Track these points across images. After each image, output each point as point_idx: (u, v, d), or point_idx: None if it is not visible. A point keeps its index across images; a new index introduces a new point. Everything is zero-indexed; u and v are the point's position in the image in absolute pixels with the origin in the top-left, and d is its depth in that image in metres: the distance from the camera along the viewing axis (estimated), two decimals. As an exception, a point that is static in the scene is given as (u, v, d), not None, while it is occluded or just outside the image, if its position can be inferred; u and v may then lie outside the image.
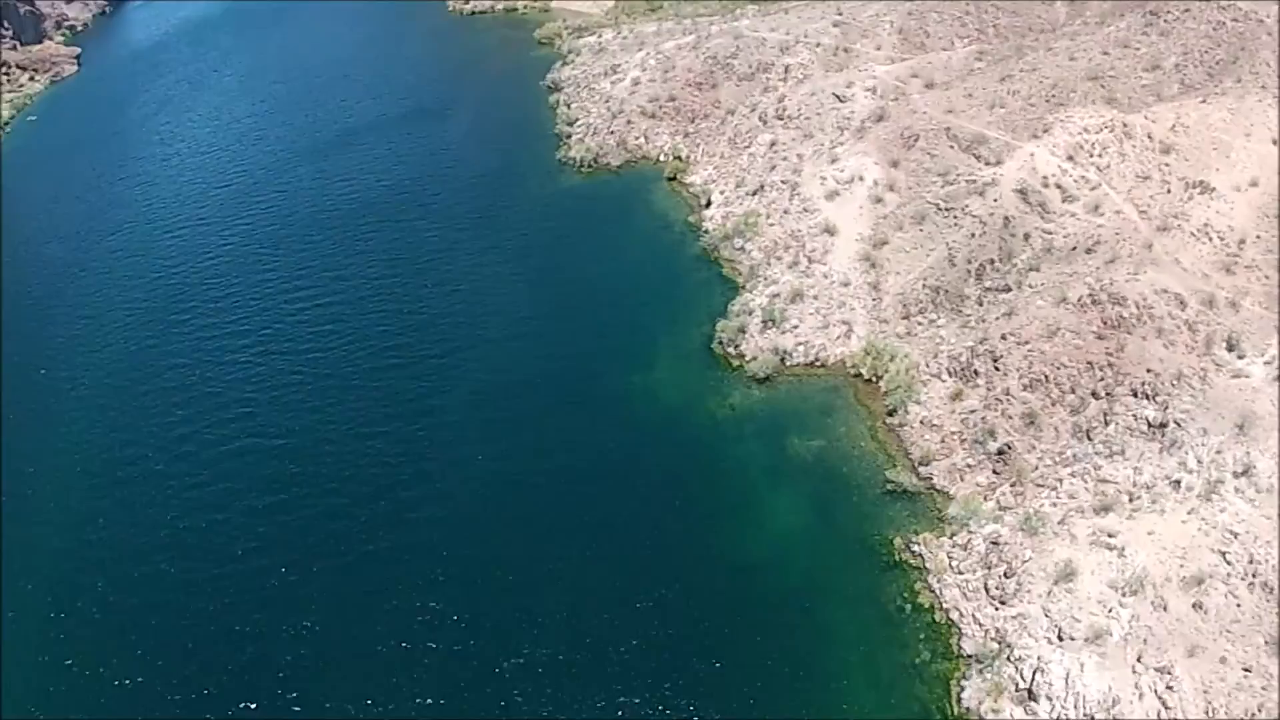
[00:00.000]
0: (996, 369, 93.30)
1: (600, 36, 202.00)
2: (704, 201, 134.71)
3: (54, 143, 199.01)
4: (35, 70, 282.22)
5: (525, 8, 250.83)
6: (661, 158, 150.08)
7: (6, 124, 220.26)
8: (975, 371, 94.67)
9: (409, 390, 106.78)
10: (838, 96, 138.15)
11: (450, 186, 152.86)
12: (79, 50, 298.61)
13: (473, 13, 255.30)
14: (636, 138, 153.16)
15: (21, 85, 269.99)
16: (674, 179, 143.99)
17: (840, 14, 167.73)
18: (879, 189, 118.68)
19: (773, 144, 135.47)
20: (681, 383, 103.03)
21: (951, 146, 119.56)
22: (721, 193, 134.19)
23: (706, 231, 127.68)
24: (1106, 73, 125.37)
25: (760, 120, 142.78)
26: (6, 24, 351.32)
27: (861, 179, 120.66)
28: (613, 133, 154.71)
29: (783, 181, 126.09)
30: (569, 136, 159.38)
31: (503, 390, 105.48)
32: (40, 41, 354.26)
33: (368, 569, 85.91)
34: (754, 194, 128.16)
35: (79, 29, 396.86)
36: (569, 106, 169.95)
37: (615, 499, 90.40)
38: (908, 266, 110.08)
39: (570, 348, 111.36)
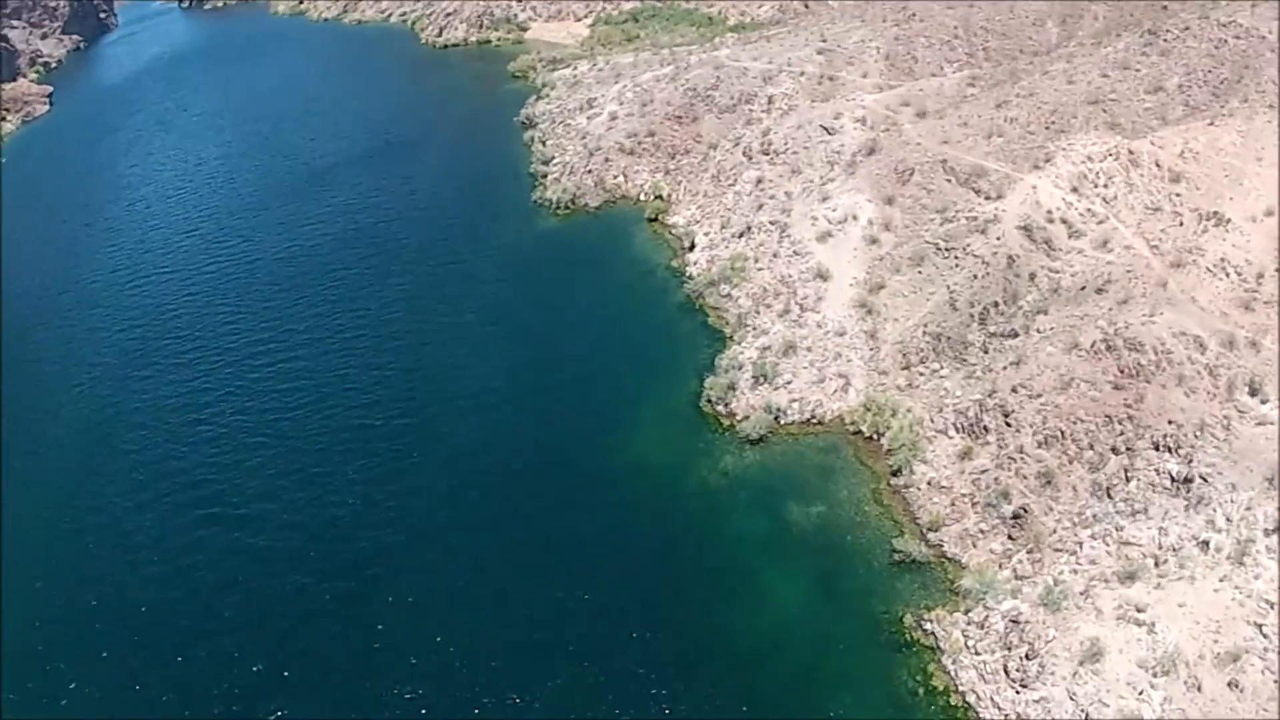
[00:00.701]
0: (1008, 424, 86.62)
1: (575, 69, 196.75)
2: (687, 244, 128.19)
3: (20, 188, 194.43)
4: (7, 110, 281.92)
5: (499, 40, 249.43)
6: (642, 197, 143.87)
7: None
8: (985, 427, 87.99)
9: (376, 455, 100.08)
10: (826, 129, 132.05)
11: (420, 231, 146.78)
12: (51, 89, 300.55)
13: (445, 45, 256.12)
14: (615, 176, 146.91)
15: None
16: (655, 219, 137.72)
17: (824, 40, 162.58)
18: (874, 229, 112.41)
19: (759, 181, 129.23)
20: (669, 446, 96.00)
21: (949, 180, 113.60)
22: (706, 234, 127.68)
23: (691, 277, 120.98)
24: (1107, 96, 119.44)
25: (745, 155, 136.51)
26: None
27: (855, 218, 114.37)
28: (590, 171, 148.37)
29: (771, 222, 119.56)
30: (544, 176, 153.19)
31: (476, 455, 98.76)
32: (14, 79, 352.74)
33: (336, 652, 79.71)
34: (740, 236, 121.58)
35: (53, 65, 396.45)
36: (544, 144, 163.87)
37: (601, 579, 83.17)
38: (906, 312, 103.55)
39: (548, 407, 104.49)
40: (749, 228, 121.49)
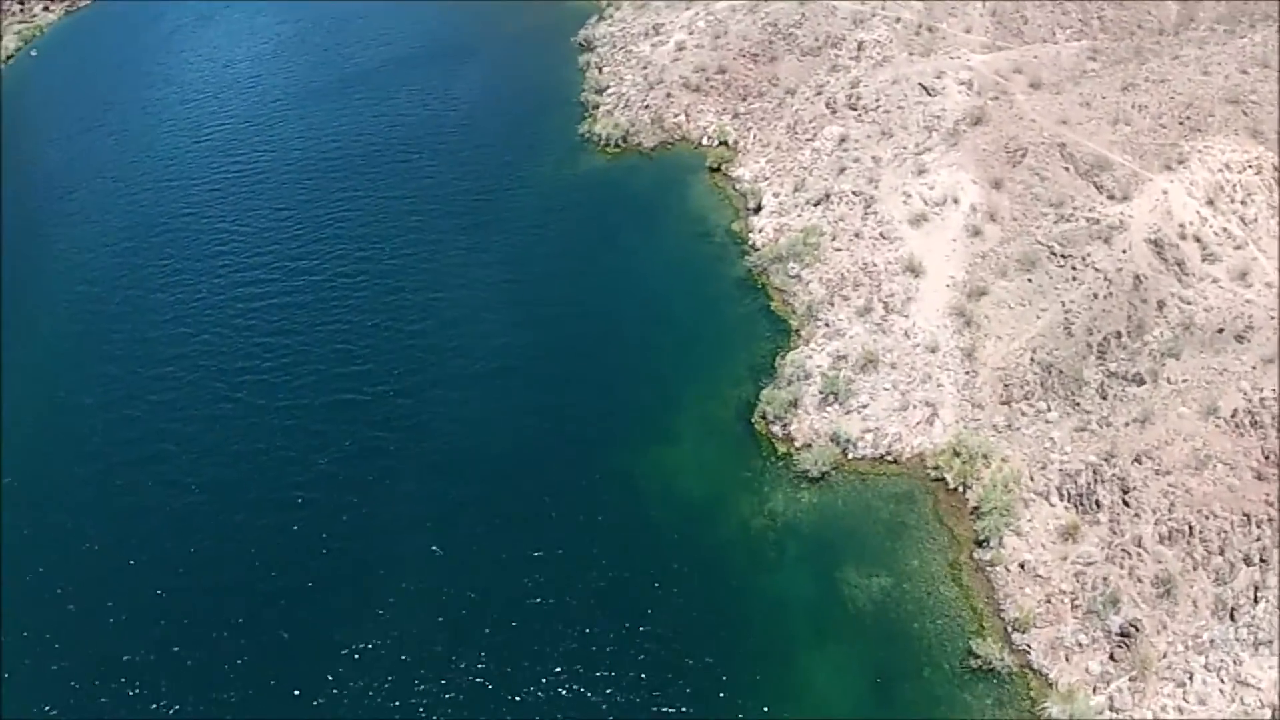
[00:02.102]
0: (1126, 504, 69.98)
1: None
2: (752, 205, 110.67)
3: (46, 83, 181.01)
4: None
5: None
6: (704, 141, 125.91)
7: (10, 58, 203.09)
8: (1097, 501, 71.30)
9: (356, 441, 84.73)
10: (925, 88, 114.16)
11: (449, 157, 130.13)
12: None
13: None
14: (676, 114, 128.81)
15: (34, 15, 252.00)
16: (718, 169, 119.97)
17: None
18: (977, 217, 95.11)
19: (843, 140, 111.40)
20: (706, 472, 79.20)
21: (1066, 169, 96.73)
22: (775, 195, 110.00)
23: (754, 247, 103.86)
24: (1248, 96, 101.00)
25: (828, 107, 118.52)
26: None
27: (956, 201, 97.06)
28: (648, 106, 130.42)
29: (854, 192, 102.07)
30: (596, 107, 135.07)
31: (472, 456, 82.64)
32: None
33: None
34: (816, 204, 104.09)
35: None
36: (600, 70, 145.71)
37: (602, 647, 67.10)
38: (1012, 330, 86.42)
39: (565, 399, 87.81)
40: (827, 195, 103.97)
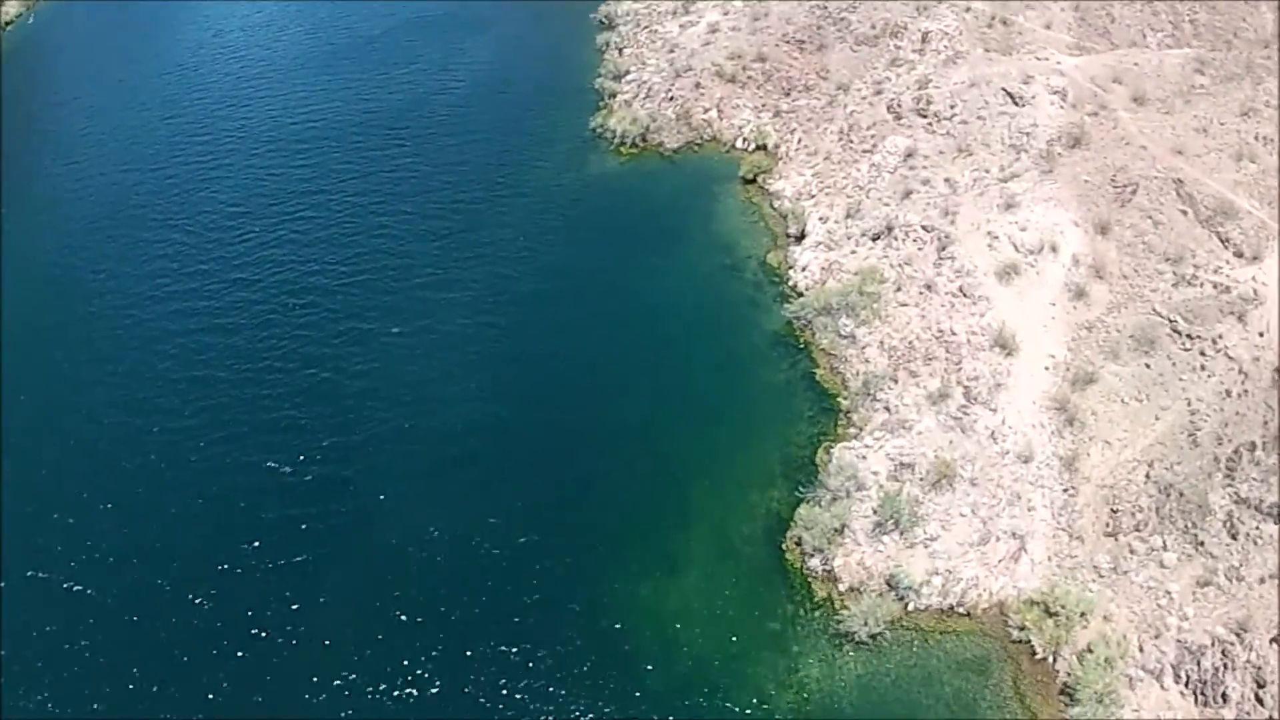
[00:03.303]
0: (1261, 700, 49.90)
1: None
2: (795, 230, 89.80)
3: (40, 51, 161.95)
4: None
5: None
6: (739, 144, 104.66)
7: (9, 24, 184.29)
8: (1224, 695, 51.14)
9: (265, 537, 64.90)
10: (1010, 95, 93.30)
11: (435, 150, 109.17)
12: None
13: None
14: (706, 109, 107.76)
15: None
16: (753, 180, 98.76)
17: None
18: (1081, 272, 74.79)
19: (909, 155, 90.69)
20: (721, 620, 58.20)
21: (1185, 212, 76.59)
22: (823, 221, 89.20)
23: (796, 290, 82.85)
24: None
25: (890, 111, 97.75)
26: None
27: (1054, 249, 76.53)
28: (673, 98, 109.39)
29: (925, 227, 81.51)
30: (613, 96, 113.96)
31: (410, 580, 62.08)
32: None
33: None
34: (876, 238, 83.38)
35: None
36: (620, 52, 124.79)
37: None
38: (1125, 434, 65.63)
39: (539, 502, 66.54)
40: (890, 227, 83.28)
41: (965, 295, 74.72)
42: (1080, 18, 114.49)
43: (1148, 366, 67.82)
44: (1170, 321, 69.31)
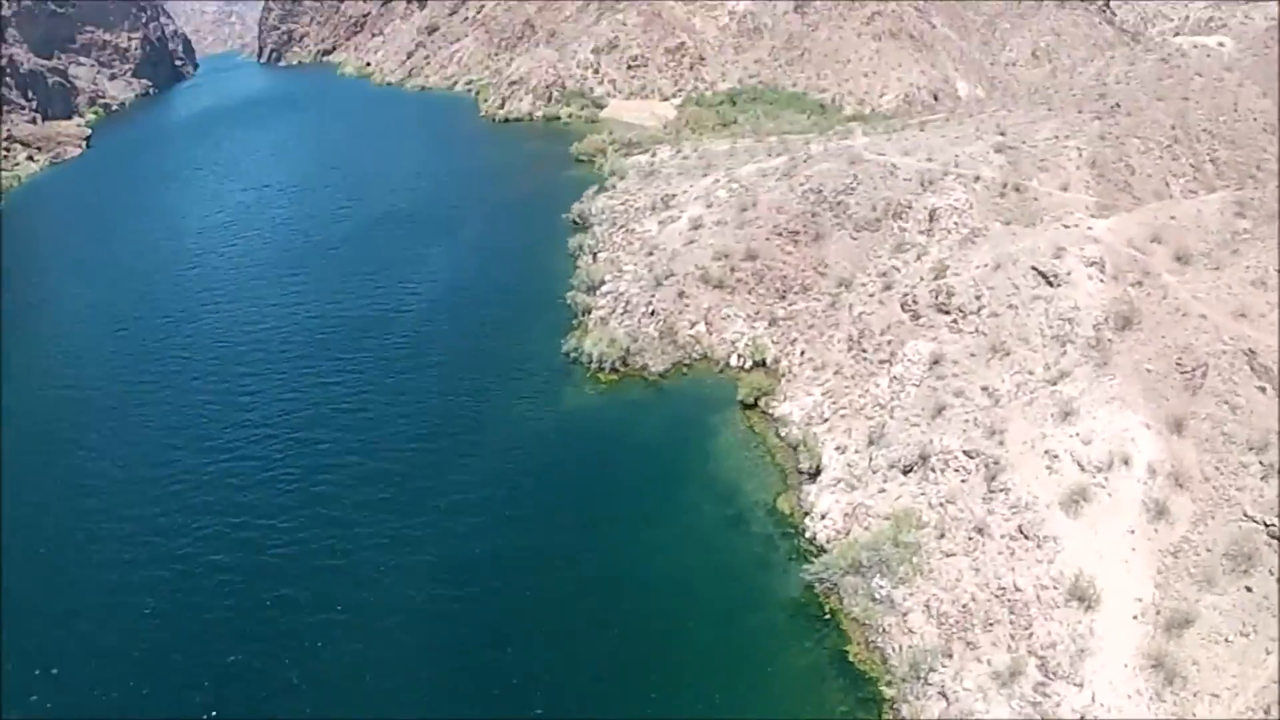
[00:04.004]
0: None
1: (653, 155, 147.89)
2: (808, 465, 74.40)
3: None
4: (38, 148, 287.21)
5: (570, 117, 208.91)
6: (733, 361, 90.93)
7: None
8: None
9: None
10: (1042, 274, 79.30)
11: (386, 383, 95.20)
12: (89, 133, 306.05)
13: (507, 119, 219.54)
14: (692, 323, 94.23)
15: (17, 164, 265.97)
16: (754, 405, 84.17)
17: (1003, 134, 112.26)
18: (1159, 484, 59.95)
19: (936, 361, 76.03)
20: None
21: (1262, 389, 63.77)
22: (841, 451, 74.08)
23: (815, 543, 67.10)
24: None
25: (906, 309, 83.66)
26: (32, 94, 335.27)
27: (1126, 462, 61.39)
28: (654, 312, 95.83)
29: (967, 452, 66.23)
30: (587, 312, 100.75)
31: None
32: (70, 116, 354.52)
33: None
34: (908, 470, 68.07)
35: (114, 108, 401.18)
36: (594, 257, 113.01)
37: None
38: (1234, 679, 50.34)
39: None
40: (924, 456, 67.92)
41: (1027, 536, 58.94)
42: (1098, 174, 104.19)
43: (1249, 590, 52.77)
44: (1265, 526, 54.45)
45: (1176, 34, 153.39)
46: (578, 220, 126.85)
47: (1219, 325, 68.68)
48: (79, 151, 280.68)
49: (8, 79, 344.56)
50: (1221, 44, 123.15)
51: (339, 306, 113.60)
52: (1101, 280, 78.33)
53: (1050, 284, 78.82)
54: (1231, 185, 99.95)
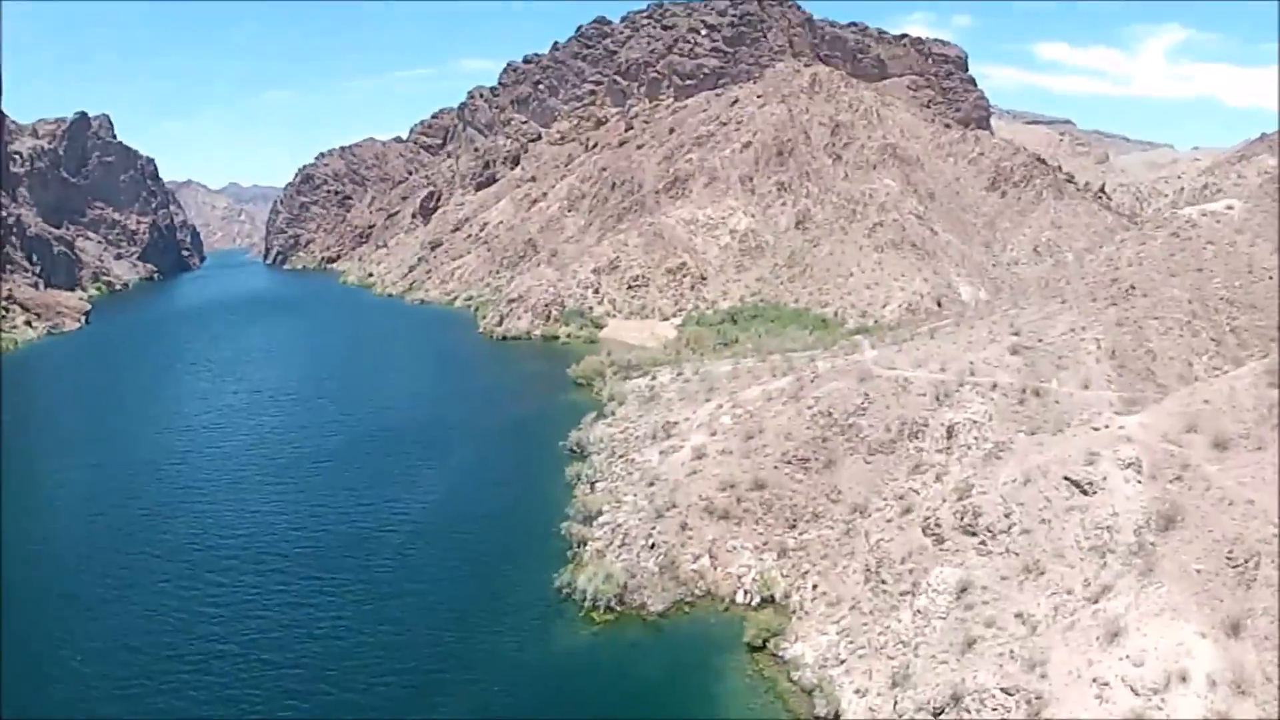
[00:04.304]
0: None
1: (654, 378, 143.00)
2: (826, 711, 66.02)
3: None
4: (38, 315, 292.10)
5: (569, 336, 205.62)
6: (740, 598, 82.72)
7: None
8: None
9: None
10: (1076, 483, 72.54)
11: (370, 605, 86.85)
12: (89, 308, 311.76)
13: (505, 337, 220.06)
14: (696, 557, 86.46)
15: (15, 328, 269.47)
16: (762, 647, 75.36)
17: (1017, 333, 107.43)
18: (1220, 696, 53.31)
19: (964, 589, 68.34)
20: None
21: None
22: (861, 694, 65.76)
23: (839, 810, 57.97)
24: None
25: (928, 533, 76.24)
26: (36, 259, 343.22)
27: (1184, 678, 53.88)
28: (654, 545, 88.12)
29: (1006, 689, 57.98)
30: (583, 544, 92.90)
31: None
32: (72, 288, 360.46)
33: None
34: (940, 713, 59.55)
35: (117, 287, 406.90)
36: (592, 487, 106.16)
37: None
38: None
39: None
40: (956, 696, 59.51)
41: (1085, 789, 50.31)
42: (1119, 365, 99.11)
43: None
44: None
45: (1174, 207, 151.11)
46: (575, 448, 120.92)
47: (1268, 509, 63.14)
48: (77, 325, 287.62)
49: (13, 238, 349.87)
50: (1230, 207, 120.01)
51: (320, 522, 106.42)
52: (1139, 481, 71.72)
53: (1084, 492, 71.94)
54: (1256, 353, 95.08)
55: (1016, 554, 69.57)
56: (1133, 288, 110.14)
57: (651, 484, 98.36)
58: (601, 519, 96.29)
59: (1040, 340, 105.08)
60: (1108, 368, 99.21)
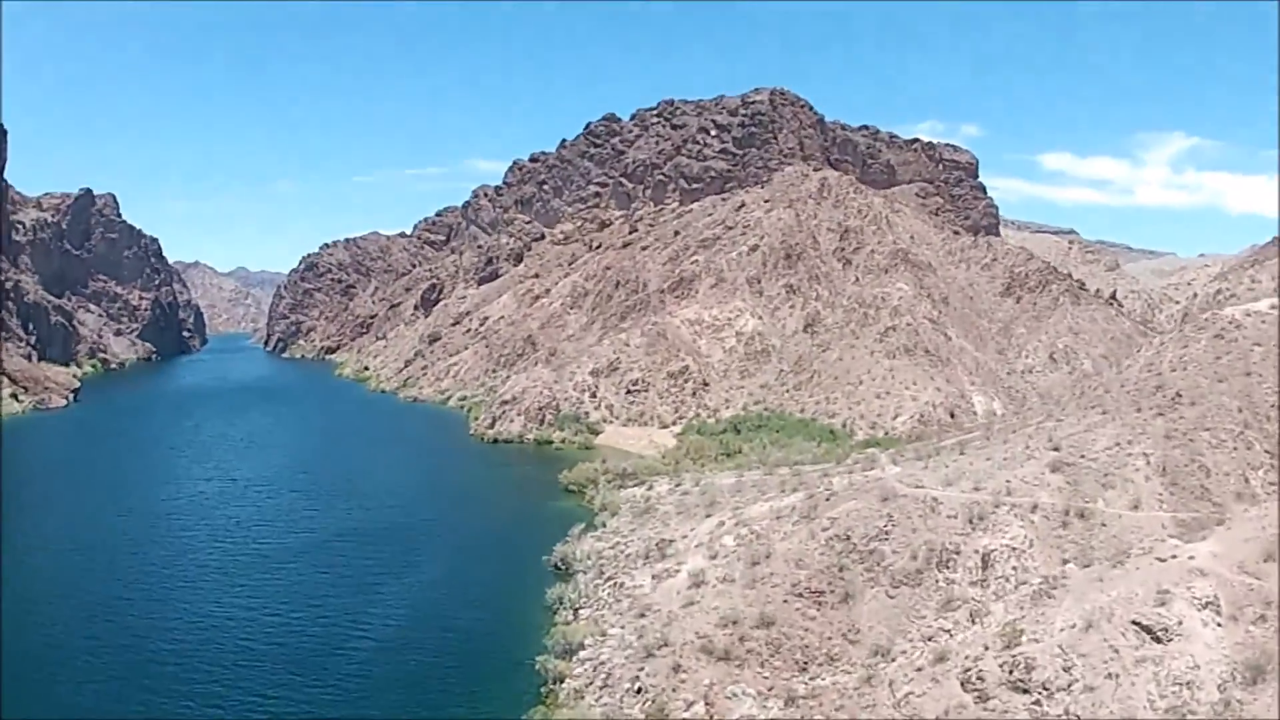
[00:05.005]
0: None
1: (650, 488, 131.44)
2: None
3: None
4: (25, 388, 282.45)
5: (563, 441, 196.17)
6: (740, 757, 69.37)
7: None
8: None
9: None
10: (1146, 628, 61.43)
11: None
12: (78, 385, 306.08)
13: (495, 440, 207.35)
14: (689, 702, 73.21)
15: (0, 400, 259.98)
16: (767, 825, 62.34)
17: (1056, 448, 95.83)
18: None
19: (1018, 769, 55.28)
20: None
21: None
22: None
23: None
24: None
25: (968, 687, 64.03)
26: (33, 328, 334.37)
27: None
28: (641, 690, 75.06)
29: None
30: (560, 681, 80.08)
31: None
32: (67, 363, 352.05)
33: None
34: None
35: (113, 365, 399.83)
36: (575, 613, 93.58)
37: None
38: None
39: None
40: None
41: None
42: (1170, 482, 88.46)
43: None
44: None
45: (1185, 315, 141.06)
46: (560, 565, 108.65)
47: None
48: (64, 403, 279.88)
49: (9, 303, 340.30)
50: (1274, 306, 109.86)
51: (271, 633, 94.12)
52: (1219, 624, 60.00)
53: (1158, 640, 60.45)
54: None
55: (1079, 716, 57.15)
56: (1179, 395, 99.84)
57: (642, 615, 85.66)
58: (583, 653, 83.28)
59: (1083, 456, 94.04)
60: (1158, 485, 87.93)
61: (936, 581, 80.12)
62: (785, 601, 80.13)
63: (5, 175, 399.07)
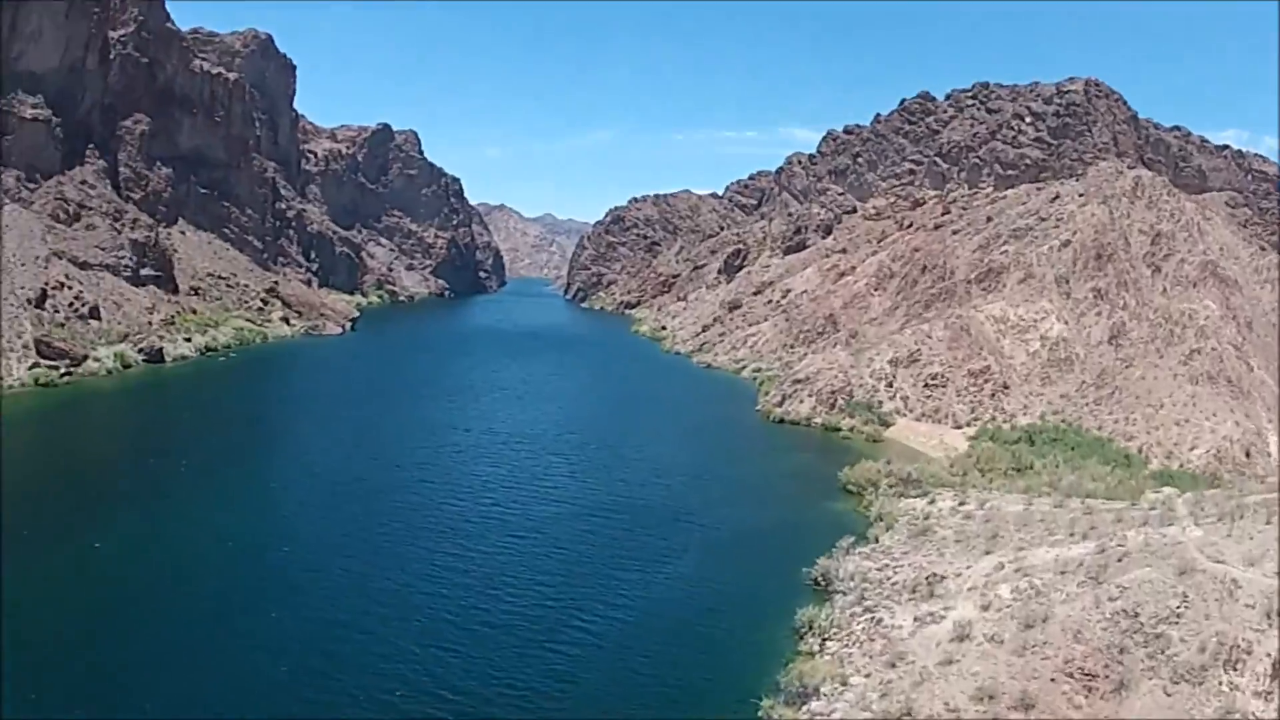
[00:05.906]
0: None
1: (933, 502, 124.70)
2: None
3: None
4: (298, 313, 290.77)
5: (851, 430, 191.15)
6: None
7: (225, 350, 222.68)
8: None
9: None
10: None
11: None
12: (356, 315, 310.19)
13: (782, 420, 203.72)
14: (923, 789, 67.39)
15: (269, 322, 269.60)
16: None
17: None
18: None
19: None
20: None
21: None
22: None
23: None
24: None
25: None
26: (315, 255, 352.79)
27: None
28: (879, 759, 69.57)
29: None
30: (801, 736, 74.82)
31: None
32: (352, 291, 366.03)
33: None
34: None
35: (401, 298, 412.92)
36: (822, 644, 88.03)
37: None
38: None
39: None
40: None
41: None
42: None
43: None
44: None
45: None
46: (820, 581, 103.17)
47: None
48: (340, 331, 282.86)
49: (290, 231, 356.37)
50: None
51: (487, 611, 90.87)
52: None
53: None
54: None
55: None
56: None
57: (893, 664, 79.71)
58: (815, 704, 76.41)
59: None
60: None
61: (1219, 684, 71.14)
62: (1053, 680, 72.86)
63: (298, 107, 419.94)
